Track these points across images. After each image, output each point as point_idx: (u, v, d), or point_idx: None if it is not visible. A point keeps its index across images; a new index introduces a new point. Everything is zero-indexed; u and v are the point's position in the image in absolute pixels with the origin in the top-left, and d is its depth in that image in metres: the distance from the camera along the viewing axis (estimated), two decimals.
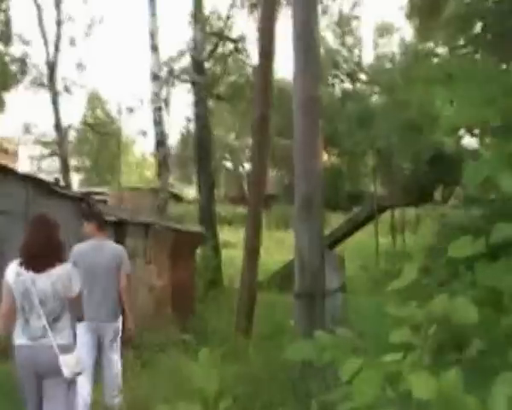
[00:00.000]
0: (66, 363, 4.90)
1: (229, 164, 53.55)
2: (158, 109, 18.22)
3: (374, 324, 4.13)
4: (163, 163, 18.09)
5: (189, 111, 29.15)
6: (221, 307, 16.63)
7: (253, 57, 41.28)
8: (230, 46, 24.70)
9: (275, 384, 7.54)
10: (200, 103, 19.88)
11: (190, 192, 48.08)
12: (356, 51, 46.04)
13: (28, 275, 4.89)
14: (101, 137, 39.62)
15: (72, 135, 42.85)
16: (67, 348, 4.98)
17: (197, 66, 20.14)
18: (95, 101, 50.73)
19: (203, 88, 19.99)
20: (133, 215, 11.43)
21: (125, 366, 9.74)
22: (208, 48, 22.70)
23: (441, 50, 41.48)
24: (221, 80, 25.01)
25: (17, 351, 5.01)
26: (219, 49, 24.20)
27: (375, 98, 46.96)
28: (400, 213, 25.83)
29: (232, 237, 32.88)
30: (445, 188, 30.45)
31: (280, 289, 21.03)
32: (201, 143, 19.84)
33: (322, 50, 45.12)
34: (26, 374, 4.98)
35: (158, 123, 18.13)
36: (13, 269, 4.98)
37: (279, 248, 36.46)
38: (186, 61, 23.67)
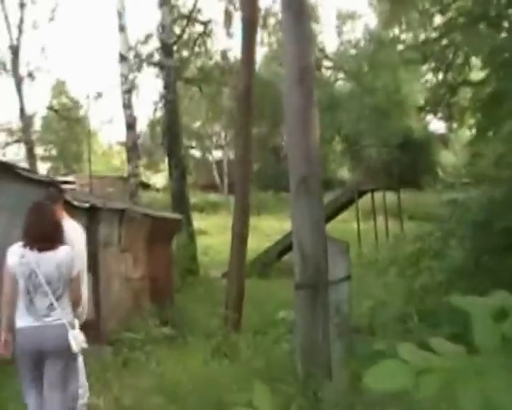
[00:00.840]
0: (75, 338, 4.99)
1: (195, 152, 52.44)
2: (127, 92, 17.10)
3: None
4: (133, 147, 16.99)
5: (156, 97, 27.93)
6: (199, 297, 15.65)
7: (222, 41, 40.23)
8: (199, 29, 23.49)
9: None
10: (169, 87, 18.72)
11: (158, 180, 47.04)
12: (320, 38, 45.20)
13: (33, 257, 4.95)
14: (68, 123, 38.13)
15: (38, 124, 41.43)
16: (72, 325, 5.08)
17: (166, 49, 18.99)
18: (60, 86, 49.24)
19: (172, 71, 18.81)
20: (106, 201, 10.32)
21: (105, 365, 8.77)
22: (177, 31, 21.50)
23: (405, 36, 40.97)
24: (190, 64, 23.76)
25: (20, 333, 5.00)
26: (188, 32, 22.96)
27: (340, 84, 46.31)
28: (371, 198, 24.95)
29: (203, 225, 32.03)
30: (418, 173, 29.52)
31: (259, 277, 20.16)
32: (171, 129, 18.73)
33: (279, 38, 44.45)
34: (28, 354, 4.98)
35: (127, 106, 17.02)
36: (15, 252, 5.02)
37: (253, 234, 35.67)
38: (154, 45, 22.57)
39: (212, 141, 48.73)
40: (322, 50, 42.60)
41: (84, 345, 5.18)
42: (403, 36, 41.92)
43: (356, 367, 6.25)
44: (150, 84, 59.07)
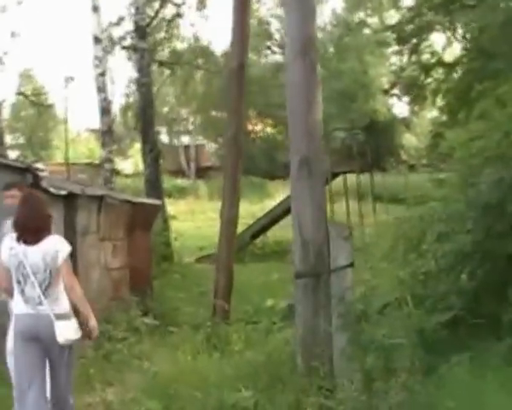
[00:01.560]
0: (61, 330, 4.89)
1: (163, 137, 51.45)
2: (101, 75, 16.23)
3: None
4: (107, 132, 16.14)
5: (126, 82, 26.94)
6: (177, 284, 14.96)
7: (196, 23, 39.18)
8: (173, 11, 22.53)
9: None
10: (143, 70, 17.85)
11: (126, 167, 46.12)
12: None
13: (20, 248, 4.97)
14: (38, 110, 36.90)
15: (6, 112, 40.17)
16: (63, 316, 4.97)
17: (139, 31, 18.10)
18: (28, 73, 47.92)
19: (146, 54, 17.93)
20: (84, 187, 9.60)
21: (85, 360, 8.10)
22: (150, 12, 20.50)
23: (372, 21, 40.52)
24: (163, 46, 22.83)
25: (17, 319, 5.03)
26: (161, 14, 21.97)
27: None
28: (344, 180, 24.42)
29: (172, 210, 31.35)
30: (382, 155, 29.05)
31: (235, 261, 19.58)
32: (145, 113, 17.88)
33: (253, 21, 43.53)
34: (25, 338, 4.96)
35: (101, 90, 16.16)
36: (6, 244, 5.05)
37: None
38: (126, 27, 21.62)
39: (180, 126, 47.72)
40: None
41: (74, 337, 5.00)
42: (369, 20, 41.43)
43: (360, 360, 5.72)
44: (120, 68, 57.82)
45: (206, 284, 14.56)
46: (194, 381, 6.12)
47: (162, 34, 22.23)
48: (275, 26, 42.53)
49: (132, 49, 19.00)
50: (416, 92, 19.64)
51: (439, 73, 18.69)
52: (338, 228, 6.26)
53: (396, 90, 43.56)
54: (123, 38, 20.69)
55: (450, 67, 18.41)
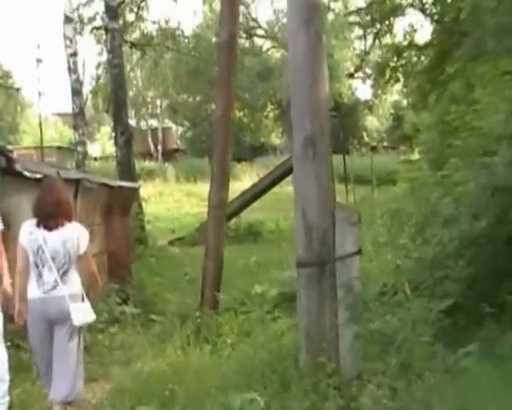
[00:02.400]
0: (77, 312, 4.97)
1: (130, 120, 50.31)
2: (72, 55, 15.26)
3: None
4: (79, 114, 15.22)
5: (97, 64, 25.77)
6: (153, 268, 14.15)
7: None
8: None
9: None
10: (114, 51, 16.88)
11: (94, 150, 45.03)
12: (252, 7, 43.69)
13: (40, 233, 4.98)
14: (5, 94, 35.51)
15: None
16: (77, 298, 5.08)
17: (110, 11, 17.11)
18: None
19: (118, 35, 16.95)
20: (60, 170, 8.79)
21: None
22: None
23: (336, 5, 39.93)
24: (134, 28, 21.80)
25: (31, 303, 5.06)
26: None
27: (273, 53, 44.98)
28: None
29: (142, 192, 30.55)
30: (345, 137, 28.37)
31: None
32: (117, 95, 16.94)
33: (219, 7, 42.68)
34: (39, 323, 5.03)
35: (73, 70, 15.20)
36: (26, 229, 5.05)
37: (190, 199, 34.49)
38: (96, 8, 20.57)
39: (147, 109, 46.64)
40: (254, 19, 40.96)
41: (87, 318, 5.15)
42: (333, 4, 40.77)
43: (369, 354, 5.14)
44: (88, 52, 56.23)
45: (183, 268, 13.85)
46: (190, 380, 5.44)
47: (132, 16, 21.19)
48: (240, 10, 41.56)
49: (104, 29, 17.96)
50: (388, 74, 19.09)
51: (411, 55, 18.18)
52: (346, 212, 5.59)
53: (360, 74, 43.22)
54: (93, 19, 19.69)
55: (421, 49, 17.92)
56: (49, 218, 5.01)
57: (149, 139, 45.46)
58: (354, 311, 5.37)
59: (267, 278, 10.19)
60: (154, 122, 48.39)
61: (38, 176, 8.22)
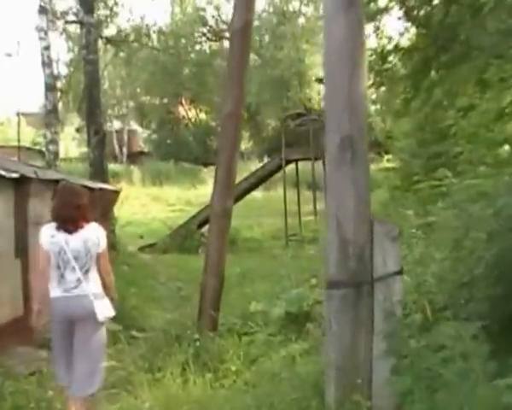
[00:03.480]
0: (100, 309, 5.17)
1: None
2: (46, 49, 14.17)
3: None
4: (52, 111, 14.14)
5: (69, 61, 24.48)
6: (127, 277, 13.14)
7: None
8: None
9: None
10: (89, 47, 15.84)
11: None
12: (223, 9, 42.88)
13: (62, 236, 5.16)
14: None
15: None
16: (99, 296, 5.28)
17: (85, 5, 16.06)
18: None
19: (93, 30, 15.90)
20: (38, 170, 7.88)
21: (41, 378, 6.49)
22: None
23: (307, 9, 39.37)
24: (109, 23, 20.66)
25: (53, 302, 5.22)
26: None
27: None
28: (296, 167, 23.02)
29: None
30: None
31: (180, 251, 17.93)
32: (91, 92, 15.92)
33: (189, 9, 41.73)
34: (60, 321, 5.19)
35: (47, 64, 14.12)
36: (47, 232, 5.24)
37: (156, 204, 33.57)
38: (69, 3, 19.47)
39: (113, 110, 45.35)
40: (225, 22, 40.09)
41: (110, 314, 5.35)
42: (303, 8, 40.23)
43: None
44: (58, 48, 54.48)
45: (157, 277, 12.97)
46: None
47: (107, 11, 20.06)
48: (210, 12, 40.74)
49: (79, 23, 16.82)
50: (373, 78, 18.33)
51: (396, 59, 17.50)
52: (385, 225, 4.79)
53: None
54: (65, 13, 18.54)
55: (406, 53, 17.29)
56: (69, 221, 5.20)
57: (114, 141, 44.21)
58: (394, 341, 4.59)
59: (259, 292, 9.41)
60: (118, 123, 47.15)
61: (15, 175, 7.35)
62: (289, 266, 12.41)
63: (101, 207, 9.45)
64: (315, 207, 21.10)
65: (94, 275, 5.28)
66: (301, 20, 40.16)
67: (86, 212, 5.37)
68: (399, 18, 17.68)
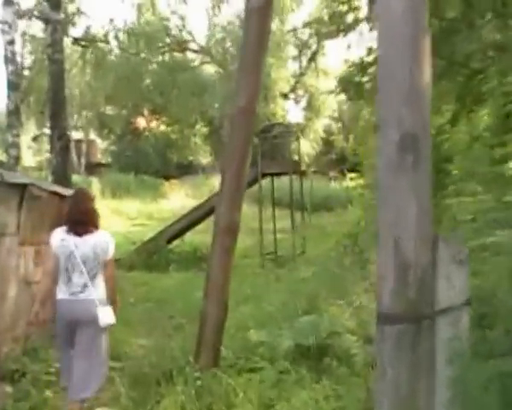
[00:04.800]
0: (102, 314, 5.23)
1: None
2: (10, 43, 12.98)
3: None
4: (15, 112, 12.95)
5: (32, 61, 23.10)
6: None
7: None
8: None
9: None
10: (55, 45, 14.69)
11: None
12: (188, 20, 41.96)
13: (72, 239, 5.31)
14: None
15: None
16: (103, 302, 5.33)
17: (52, 1, 14.91)
18: None
19: (60, 27, 14.76)
20: (3, 173, 6.79)
21: None
22: None
23: (274, 24, 38.74)
24: (75, 22, 19.42)
25: (59, 304, 5.36)
26: None
27: (206, 68, 43.19)
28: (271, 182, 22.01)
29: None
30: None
31: (148, 268, 16.75)
32: (56, 93, 14.77)
33: (153, 18, 40.58)
34: (64, 323, 5.31)
35: (10, 61, 12.94)
36: (57, 235, 5.41)
37: (116, 217, 32.32)
38: None
39: (72, 119, 43.81)
40: (190, 33, 39.14)
41: (111, 321, 5.33)
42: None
43: None
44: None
45: (125, 297, 11.94)
46: None
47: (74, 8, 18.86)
48: (174, 22, 39.63)
49: (44, 20, 15.62)
50: (353, 91, 17.60)
51: (376, 71, 16.80)
52: (451, 245, 3.89)
53: (293, 95, 42.19)
54: (30, 10, 17.28)
55: None
56: (79, 225, 5.31)
57: (73, 151, 42.67)
58: (461, 388, 3.72)
59: (247, 317, 8.43)
60: (77, 133, 45.63)
61: None
62: (276, 289, 11.52)
63: None
64: (293, 225, 20.15)
65: (100, 281, 5.38)
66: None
67: (96, 218, 5.48)
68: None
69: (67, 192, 8.43)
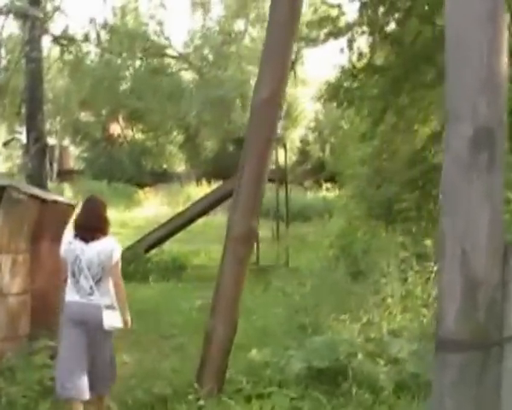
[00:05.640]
0: (107, 317, 5.28)
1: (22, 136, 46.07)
2: None
3: None
4: None
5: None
6: None
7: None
8: None
9: None
10: (33, 43, 13.88)
11: None
12: (166, 26, 41.21)
13: (78, 244, 5.38)
14: None
15: None
16: (109, 306, 5.34)
17: None
18: None
19: (38, 24, 13.94)
20: None
21: None
22: None
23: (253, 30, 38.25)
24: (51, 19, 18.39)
25: (68, 306, 5.40)
26: None
27: (184, 74, 42.40)
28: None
29: None
30: None
31: (126, 278, 15.87)
32: (33, 93, 13.96)
33: (132, 22, 39.71)
34: (73, 325, 5.30)
35: None
36: (66, 239, 5.57)
37: None
38: None
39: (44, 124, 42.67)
40: (167, 38, 38.38)
41: (116, 325, 5.38)
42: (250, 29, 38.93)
43: None
44: None
45: None
46: None
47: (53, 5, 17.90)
48: (153, 28, 38.88)
49: (22, 16, 14.69)
50: (342, 97, 17.01)
51: (366, 77, 16.26)
52: None
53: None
54: (7, 6, 16.35)
55: (378, 71, 16.11)
56: (86, 231, 5.37)
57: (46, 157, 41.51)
58: None
59: (240, 333, 7.72)
60: (48, 139, 44.47)
61: None
62: (265, 302, 10.83)
63: (52, 225, 7.54)
64: (277, 235, 19.49)
65: (106, 286, 5.38)
66: (247, 40, 38.84)
67: (104, 225, 5.50)
68: (370, 33, 16.59)
69: (49, 197, 7.68)
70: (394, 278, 7.05)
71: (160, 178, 42.62)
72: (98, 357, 5.32)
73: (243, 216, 5.82)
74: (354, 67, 16.43)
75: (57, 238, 7.99)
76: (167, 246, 18.36)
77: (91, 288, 5.29)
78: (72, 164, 46.74)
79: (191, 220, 18.34)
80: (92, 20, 18.83)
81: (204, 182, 35.97)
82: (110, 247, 5.41)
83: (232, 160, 38.18)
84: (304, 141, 47.89)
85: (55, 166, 41.88)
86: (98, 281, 5.31)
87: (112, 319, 5.30)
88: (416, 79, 14.99)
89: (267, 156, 6.02)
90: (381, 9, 15.70)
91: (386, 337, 5.80)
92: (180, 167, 46.20)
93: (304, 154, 47.80)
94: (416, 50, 14.53)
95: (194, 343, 7.35)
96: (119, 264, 5.49)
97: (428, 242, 7.38)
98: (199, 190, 33.74)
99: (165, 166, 44.91)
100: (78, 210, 5.80)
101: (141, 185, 38.89)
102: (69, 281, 5.43)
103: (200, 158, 42.56)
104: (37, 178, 13.86)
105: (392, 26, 16.36)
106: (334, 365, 5.18)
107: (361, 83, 16.52)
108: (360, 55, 16.85)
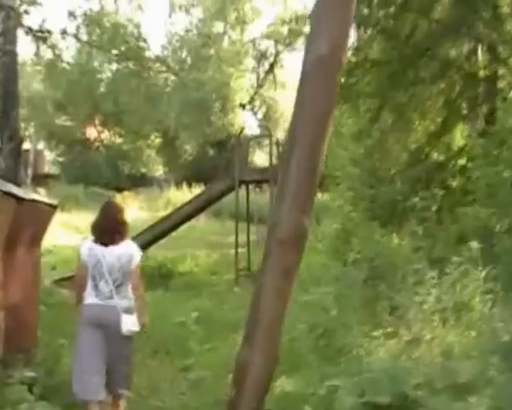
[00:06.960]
0: (125, 322, 5.33)
1: None
2: None
3: None
4: None
5: None
6: (50, 321, 9.55)
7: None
8: None
9: None
10: (8, 34, 12.60)
11: None
12: (143, 28, 40.02)
13: (99, 249, 5.45)
14: None
15: None
16: (128, 310, 5.40)
17: None
18: None
19: (14, 15, 12.67)
20: None
21: None
22: None
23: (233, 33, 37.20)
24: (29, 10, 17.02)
25: (87, 309, 5.43)
26: None
27: (162, 77, 41.17)
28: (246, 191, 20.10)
29: None
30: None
31: None
32: (7, 88, 12.68)
33: (109, 26, 38.33)
34: (91, 326, 5.34)
35: None
36: (86, 245, 5.55)
37: (65, 231, 29.95)
38: None
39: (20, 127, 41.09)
40: (145, 40, 37.06)
41: (134, 328, 5.41)
42: (230, 32, 37.88)
43: None
44: None
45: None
46: None
47: None
48: (130, 30, 37.56)
49: None
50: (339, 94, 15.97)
51: (362, 73, 15.30)
52: None
53: (251, 106, 40.65)
54: None
55: (374, 66, 15.19)
56: (105, 236, 5.46)
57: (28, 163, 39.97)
58: None
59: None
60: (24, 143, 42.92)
61: None
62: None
63: (29, 228, 6.33)
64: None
65: (126, 290, 5.44)
66: (226, 43, 37.78)
67: (124, 229, 5.56)
68: (365, 28, 15.66)
69: (27, 195, 6.43)
70: (437, 285, 5.89)
71: (139, 182, 41.44)
72: (116, 358, 5.36)
73: (293, 210, 4.42)
74: (350, 62, 15.50)
75: (33, 243, 6.77)
76: (151, 252, 17.08)
77: (111, 292, 5.36)
78: (47, 168, 45.29)
79: (176, 226, 17.14)
80: (71, 14, 17.55)
81: (184, 186, 34.83)
82: (130, 251, 5.53)
83: (212, 163, 37.19)
84: (283, 143, 46.98)
85: (30, 170, 40.38)
86: (118, 285, 5.40)
87: (129, 324, 5.36)
88: (414, 73, 14.24)
89: (325, 131, 4.64)
90: (376, 1, 14.90)
91: (448, 360, 4.63)
92: (159, 171, 45.01)
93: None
94: (414, 44, 13.90)
95: (213, 375, 6.07)
96: (139, 268, 5.59)
97: (472, 244, 6.22)
98: (179, 195, 32.72)
99: (143, 170, 43.69)
100: (95, 215, 5.65)
101: (119, 190, 37.58)
102: (89, 285, 5.44)
103: (179, 162, 41.44)
104: (13, 179, 12.50)
105: (387, 20, 15.50)
106: (398, 400, 3.97)
107: (357, 79, 15.58)
108: (356, 49, 15.92)
